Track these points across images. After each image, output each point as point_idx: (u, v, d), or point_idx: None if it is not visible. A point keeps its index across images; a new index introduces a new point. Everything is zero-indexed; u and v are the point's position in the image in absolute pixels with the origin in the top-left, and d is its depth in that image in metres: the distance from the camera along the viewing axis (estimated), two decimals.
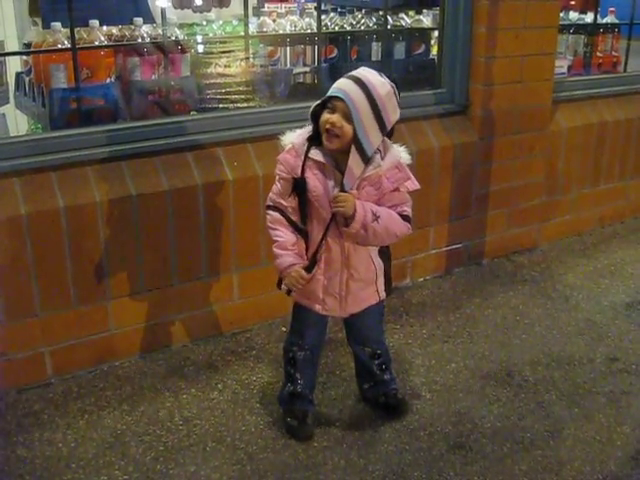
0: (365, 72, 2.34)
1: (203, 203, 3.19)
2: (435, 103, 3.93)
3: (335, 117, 2.29)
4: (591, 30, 4.86)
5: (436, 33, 4.11)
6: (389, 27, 4.12)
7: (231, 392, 3.01)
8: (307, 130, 2.42)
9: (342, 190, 2.35)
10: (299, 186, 2.40)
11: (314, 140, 2.39)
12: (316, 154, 2.37)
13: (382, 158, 2.38)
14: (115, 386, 3.05)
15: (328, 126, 2.30)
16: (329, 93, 2.33)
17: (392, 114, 2.35)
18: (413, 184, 2.46)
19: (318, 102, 2.36)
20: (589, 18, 4.92)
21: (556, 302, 3.83)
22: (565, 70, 4.59)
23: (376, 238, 2.42)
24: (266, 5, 4.47)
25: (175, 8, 3.45)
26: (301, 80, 3.87)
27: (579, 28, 4.86)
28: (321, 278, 2.52)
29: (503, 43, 3.83)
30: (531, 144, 4.17)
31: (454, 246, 4.10)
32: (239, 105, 3.46)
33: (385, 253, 2.62)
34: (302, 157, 2.38)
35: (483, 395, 3.02)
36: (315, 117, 2.37)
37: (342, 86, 2.31)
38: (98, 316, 3.09)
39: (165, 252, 3.17)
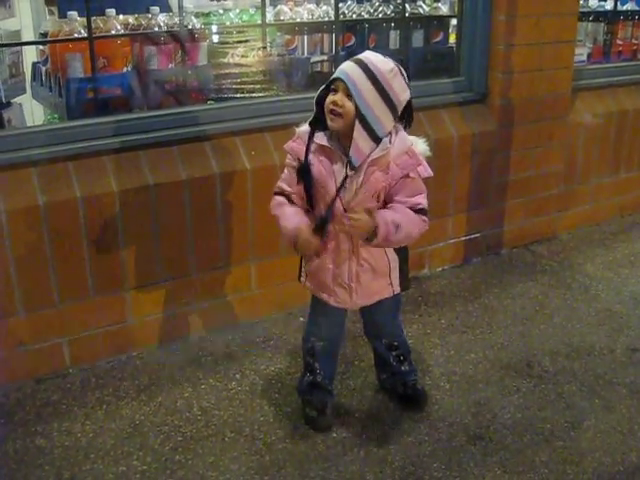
0: (367, 54, 2.33)
1: (220, 193, 3.18)
2: (454, 92, 3.89)
3: (337, 96, 2.27)
4: (611, 17, 4.80)
5: (454, 21, 4.08)
6: (407, 15, 4.08)
7: (249, 382, 3.01)
8: (302, 130, 2.42)
9: (351, 167, 2.32)
10: (303, 172, 2.39)
11: (318, 124, 2.37)
12: (320, 138, 2.35)
13: (391, 142, 2.34)
14: (133, 376, 3.05)
15: (331, 106, 2.28)
16: (332, 76, 2.32)
17: (400, 93, 2.30)
18: (425, 171, 2.40)
19: (322, 87, 2.34)
20: (609, 5, 4.87)
21: (575, 292, 3.80)
22: (585, 58, 4.53)
23: (396, 244, 2.44)
24: None
25: None
26: (319, 69, 3.83)
27: (599, 15, 4.80)
28: (331, 267, 2.48)
29: (522, 31, 3.79)
30: (550, 133, 4.13)
31: (472, 236, 4.07)
32: (256, 94, 3.44)
33: (401, 248, 2.56)
34: (306, 142, 2.37)
35: (503, 386, 3.00)
36: (320, 102, 2.35)
37: (343, 67, 2.30)
38: (116, 306, 3.09)
39: (183, 242, 3.17)
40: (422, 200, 2.40)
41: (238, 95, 3.43)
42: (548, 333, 3.40)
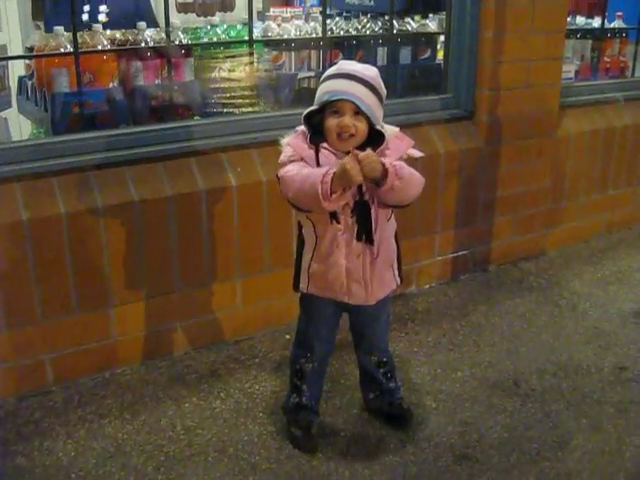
0: (347, 65, 2.35)
1: (206, 209, 3.15)
2: (441, 108, 3.89)
3: (347, 119, 2.27)
4: (598, 35, 4.82)
5: (442, 38, 4.09)
6: (395, 32, 4.09)
7: (234, 401, 2.97)
8: (303, 129, 2.38)
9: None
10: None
11: (314, 137, 2.35)
12: (327, 146, 2.33)
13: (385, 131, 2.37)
14: (117, 394, 3.01)
15: (339, 130, 2.28)
16: (327, 97, 2.29)
17: (384, 89, 2.37)
18: (417, 151, 2.41)
19: (314, 107, 2.33)
20: (596, 23, 4.88)
21: (563, 309, 3.79)
22: (572, 75, 4.55)
23: (409, 187, 2.32)
24: (271, 9, 4.43)
25: (179, 12, 3.41)
26: (306, 85, 3.83)
27: (586, 33, 4.82)
28: (344, 262, 2.42)
29: (510, 48, 3.80)
30: (538, 150, 4.13)
31: (460, 253, 4.05)
32: (243, 110, 3.42)
33: (396, 236, 2.57)
34: (312, 149, 2.33)
35: (490, 405, 2.98)
36: (308, 121, 2.34)
37: (339, 87, 2.28)
38: (100, 323, 3.06)
39: (168, 258, 3.14)
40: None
41: (225, 111, 3.43)
42: (536, 351, 3.38)
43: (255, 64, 3.50)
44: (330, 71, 2.36)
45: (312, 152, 2.33)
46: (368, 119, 2.30)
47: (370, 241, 2.39)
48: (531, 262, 4.34)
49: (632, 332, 3.57)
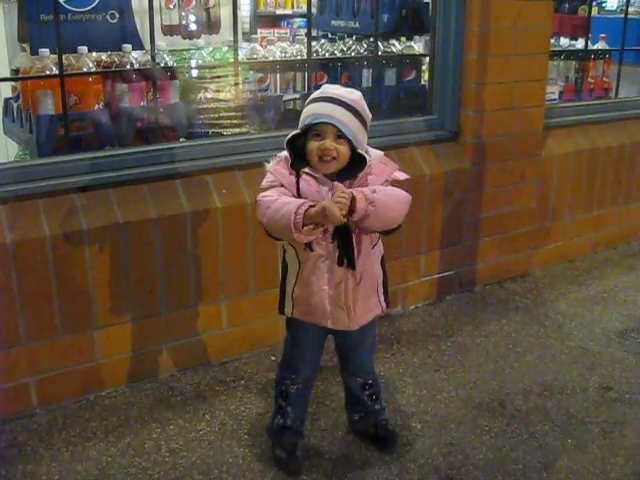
0: (331, 89, 2.37)
1: (191, 231, 3.16)
2: (426, 130, 3.91)
3: (328, 142, 2.29)
4: (582, 56, 4.86)
5: (427, 59, 4.11)
6: (380, 53, 4.11)
7: (219, 423, 2.97)
8: (286, 153, 2.39)
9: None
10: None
11: (295, 163, 2.36)
12: (309, 169, 2.34)
13: (369, 155, 2.38)
14: (101, 417, 3.00)
15: (321, 153, 2.29)
16: (310, 121, 2.30)
17: (368, 112, 2.39)
18: (402, 174, 2.43)
19: (297, 132, 2.34)
20: (580, 44, 4.92)
21: (549, 330, 3.80)
22: (557, 96, 4.58)
23: (387, 210, 2.31)
24: (258, 31, 4.46)
25: (164, 35, 3.43)
26: (291, 107, 3.84)
27: (570, 54, 4.85)
28: (326, 288, 2.44)
29: (494, 69, 3.83)
30: (523, 170, 4.15)
31: (446, 273, 4.07)
32: (228, 132, 3.43)
33: (382, 262, 2.58)
34: (294, 175, 2.33)
35: (475, 425, 2.98)
36: (291, 144, 2.35)
37: (322, 110, 2.30)
38: (84, 345, 3.05)
39: (153, 280, 3.14)
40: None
41: (210, 132, 3.43)
42: (521, 371, 3.39)
43: (240, 86, 3.51)
44: (314, 95, 2.39)
45: (293, 178, 2.34)
46: (350, 142, 2.31)
47: (352, 266, 2.40)
48: (517, 282, 4.35)
49: (617, 352, 3.58)
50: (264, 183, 2.39)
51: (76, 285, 2.97)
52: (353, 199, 2.24)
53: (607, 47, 4.99)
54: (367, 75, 4.11)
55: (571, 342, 3.68)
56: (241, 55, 3.61)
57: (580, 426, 2.99)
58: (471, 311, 3.99)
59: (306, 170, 2.34)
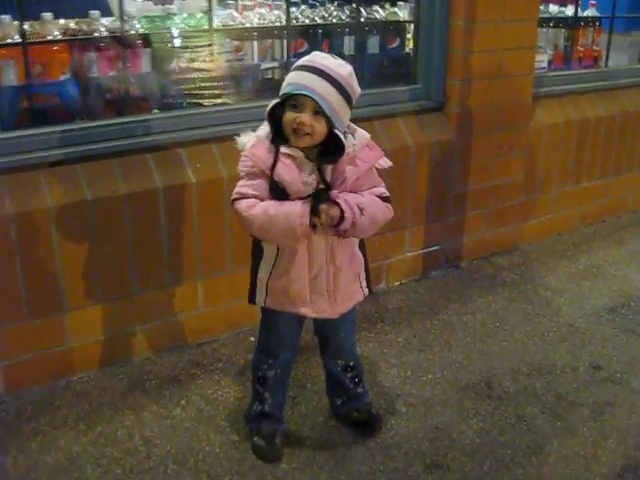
0: (319, 59, 2.19)
1: (164, 207, 3.01)
2: (410, 99, 3.76)
3: (304, 116, 2.13)
4: (572, 23, 4.71)
5: (412, 26, 3.94)
6: (362, 20, 3.96)
7: (195, 409, 2.84)
8: (265, 129, 2.24)
9: (324, 183, 2.20)
10: (275, 186, 2.21)
11: (276, 138, 2.21)
12: (286, 149, 2.19)
13: (355, 137, 2.24)
14: (72, 403, 2.87)
15: (295, 126, 2.14)
16: (289, 90, 2.14)
17: (357, 89, 2.22)
18: (386, 161, 2.31)
19: (277, 100, 2.18)
20: (570, 11, 4.77)
21: (537, 306, 3.69)
22: (545, 65, 4.44)
23: (363, 231, 2.29)
24: None
25: (134, 0, 3.25)
26: (269, 76, 3.68)
27: (559, 21, 4.71)
28: (306, 276, 2.32)
29: (481, 37, 3.68)
30: (511, 142, 4.02)
31: (431, 248, 3.95)
32: (203, 103, 3.27)
33: (362, 245, 2.46)
34: (273, 154, 2.19)
35: (461, 408, 2.87)
36: (272, 115, 2.19)
37: (303, 81, 2.13)
38: (54, 329, 2.91)
39: (124, 260, 3.00)
40: (383, 189, 2.33)
41: (184, 103, 3.27)
42: (509, 351, 3.29)
43: (216, 55, 3.35)
44: (300, 61, 2.21)
45: (271, 160, 2.19)
46: (330, 120, 2.15)
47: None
48: (504, 257, 4.24)
49: (607, 329, 3.48)
50: (241, 168, 2.25)
51: (43, 266, 2.82)
52: (342, 212, 2.18)
53: (597, 14, 4.84)
54: (349, 43, 3.95)
55: (560, 319, 3.58)
56: (216, 22, 3.44)
57: (570, 408, 2.90)
58: (457, 288, 3.87)
59: (285, 150, 2.18)
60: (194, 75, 3.27)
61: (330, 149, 2.20)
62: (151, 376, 3.05)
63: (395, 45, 4.09)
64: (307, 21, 3.89)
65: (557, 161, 4.36)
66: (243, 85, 3.45)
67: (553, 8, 4.78)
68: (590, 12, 4.83)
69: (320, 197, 2.18)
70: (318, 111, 2.13)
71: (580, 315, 3.61)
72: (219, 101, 3.29)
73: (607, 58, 4.72)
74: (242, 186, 2.26)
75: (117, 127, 2.98)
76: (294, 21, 3.73)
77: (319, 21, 3.92)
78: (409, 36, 4.08)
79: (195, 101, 3.29)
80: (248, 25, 3.64)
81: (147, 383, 3.00)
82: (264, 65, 3.66)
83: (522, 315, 3.61)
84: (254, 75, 3.54)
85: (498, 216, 4.15)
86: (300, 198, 2.19)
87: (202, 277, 3.19)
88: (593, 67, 4.78)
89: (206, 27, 3.32)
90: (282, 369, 2.55)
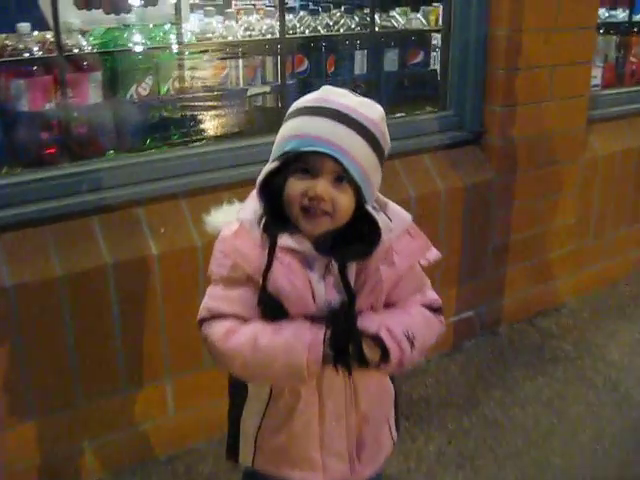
0: (331, 95, 1.41)
1: (115, 290, 2.25)
2: (439, 130, 3.04)
3: (321, 186, 1.35)
4: (624, 30, 3.95)
5: (439, 37, 3.20)
6: (377, 29, 3.21)
7: None
8: (253, 208, 1.45)
9: (349, 294, 1.42)
10: (269, 300, 1.42)
11: (271, 223, 1.43)
12: (287, 240, 1.41)
13: (389, 218, 1.46)
14: None
15: (307, 202, 1.36)
16: (294, 146, 1.37)
17: (389, 141, 1.46)
18: (434, 254, 1.54)
19: (274, 165, 1.39)
20: (622, 15, 4.04)
21: (601, 392, 2.94)
22: (599, 81, 3.67)
23: (408, 366, 1.50)
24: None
25: (79, 8, 2.45)
26: (259, 104, 2.90)
27: (609, 28, 3.94)
28: (316, 429, 1.53)
29: (529, 50, 2.94)
30: (561, 178, 3.30)
31: (464, 314, 3.21)
32: (170, 142, 2.49)
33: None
34: (265, 249, 1.41)
35: None
36: (266, 187, 1.41)
37: (318, 131, 1.36)
38: None
39: (63, 361, 2.24)
40: (432, 292, 1.60)
41: (147, 144, 2.50)
42: (574, 464, 2.53)
43: (188, 77, 2.57)
44: (303, 102, 1.43)
45: (262, 258, 1.41)
46: (358, 190, 1.38)
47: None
48: (550, 318, 3.48)
49: None
50: (214, 269, 1.48)
51: None
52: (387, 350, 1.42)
53: None
54: (361, 58, 3.23)
55: (633, 411, 2.82)
56: (188, 35, 2.66)
57: None
58: (497, 365, 3.12)
59: (286, 243, 1.41)
60: (158, 105, 2.50)
61: (349, 236, 1.42)
62: None
63: (418, 60, 3.39)
64: (307, 31, 3.11)
65: (613, 198, 3.60)
66: (224, 117, 2.67)
67: (601, 12, 4.00)
68: None
69: (343, 320, 1.41)
70: (342, 177, 1.37)
71: None
72: (190, 140, 2.51)
73: None
74: (215, 299, 1.48)
75: (51, 182, 2.22)
76: (290, 32, 2.97)
77: (322, 31, 3.15)
78: (436, 49, 3.35)
79: (162, 142, 2.52)
80: (230, 38, 2.84)
81: None
82: (252, 90, 2.87)
83: (584, 406, 2.85)
84: (239, 103, 2.76)
85: (544, 269, 3.42)
86: (309, 316, 1.41)
87: (172, 375, 2.44)
88: None
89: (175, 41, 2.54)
90: None
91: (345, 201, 1.38)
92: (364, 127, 1.37)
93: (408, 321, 1.47)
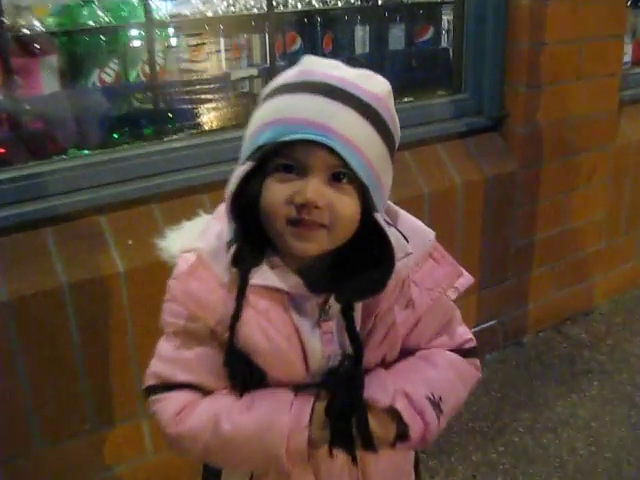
0: (319, 66, 1.03)
1: (75, 316, 1.90)
2: (454, 116, 2.71)
3: (312, 187, 0.97)
4: None
5: (451, 9, 2.87)
6: (380, 2, 2.90)
7: None
8: (216, 232, 1.08)
9: (356, 344, 1.06)
10: (237, 360, 1.06)
11: (245, 251, 1.04)
12: (263, 276, 1.04)
13: (404, 236, 1.08)
14: None
15: (293, 212, 0.98)
16: (270, 136, 0.98)
17: (397, 123, 1.07)
18: (467, 279, 1.16)
19: (248, 165, 1.00)
20: None
21: None
22: (630, 58, 3.32)
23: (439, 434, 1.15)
24: None
25: None
26: (245, 89, 2.55)
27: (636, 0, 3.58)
28: None
29: (556, 21, 2.59)
30: (591, 168, 2.95)
31: (485, 324, 2.87)
32: (140, 138, 2.14)
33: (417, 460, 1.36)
34: (233, 291, 1.04)
35: None
36: (238, 197, 1.02)
37: (306, 113, 0.97)
38: None
39: (17, 402, 1.89)
40: (465, 329, 1.23)
41: (113, 138, 2.14)
42: None
43: (160, 61, 2.21)
44: (281, 79, 1.04)
45: (229, 303, 1.04)
46: (365, 192, 1.00)
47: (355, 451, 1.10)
48: (580, 324, 3.14)
49: None
50: (167, 319, 1.11)
51: None
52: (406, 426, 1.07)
53: None
54: (362, 35, 2.95)
55: None
56: (162, 12, 2.30)
57: None
58: (524, 381, 2.79)
59: (260, 282, 1.04)
60: (123, 95, 2.15)
61: (353, 262, 1.05)
62: None
63: (428, 37, 3.09)
64: (300, 5, 2.75)
65: None
66: (203, 105, 2.31)
67: None
68: None
69: (344, 386, 1.04)
70: (341, 173, 0.99)
71: None
72: (162, 135, 2.15)
73: None
74: (166, 361, 1.13)
75: None
76: (280, 6, 2.61)
77: (317, 5, 2.79)
78: (448, 23, 3.04)
79: (131, 137, 2.16)
80: (210, 14, 2.48)
81: None
82: (236, 74, 2.51)
83: (626, 429, 2.52)
84: (221, 89, 2.41)
85: (572, 270, 3.09)
86: (292, 384, 1.09)
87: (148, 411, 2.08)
88: None
89: (143, 19, 2.17)
90: None
91: (347, 206, 0.99)
92: (366, 104, 0.99)
93: (433, 378, 1.11)
